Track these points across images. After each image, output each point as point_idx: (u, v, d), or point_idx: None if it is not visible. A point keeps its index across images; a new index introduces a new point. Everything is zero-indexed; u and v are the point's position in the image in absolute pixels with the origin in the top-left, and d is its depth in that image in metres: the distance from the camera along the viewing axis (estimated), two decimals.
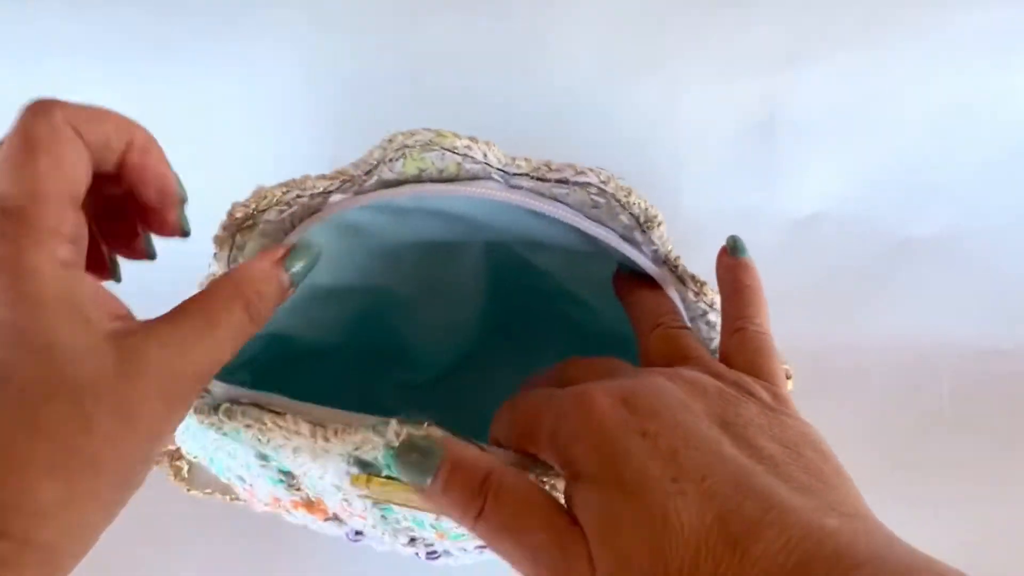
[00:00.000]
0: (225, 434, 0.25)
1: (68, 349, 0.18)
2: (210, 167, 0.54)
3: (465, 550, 0.31)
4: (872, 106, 0.55)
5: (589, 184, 0.29)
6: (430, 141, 0.28)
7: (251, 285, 0.22)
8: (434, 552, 0.32)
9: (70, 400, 0.18)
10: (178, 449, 0.41)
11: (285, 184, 0.29)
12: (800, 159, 0.55)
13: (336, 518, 0.31)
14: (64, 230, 0.19)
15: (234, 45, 0.50)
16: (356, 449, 0.23)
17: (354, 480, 0.24)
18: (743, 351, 0.25)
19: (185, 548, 0.39)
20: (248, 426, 0.24)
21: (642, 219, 0.29)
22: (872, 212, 0.54)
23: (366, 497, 0.26)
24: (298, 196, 0.29)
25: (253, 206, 0.29)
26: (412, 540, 0.31)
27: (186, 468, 0.37)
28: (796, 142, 0.55)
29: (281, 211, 0.29)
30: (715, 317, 0.30)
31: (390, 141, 0.29)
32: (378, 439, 0.23)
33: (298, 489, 0.29)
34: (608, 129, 0.52)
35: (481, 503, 0.21)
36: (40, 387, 0.18)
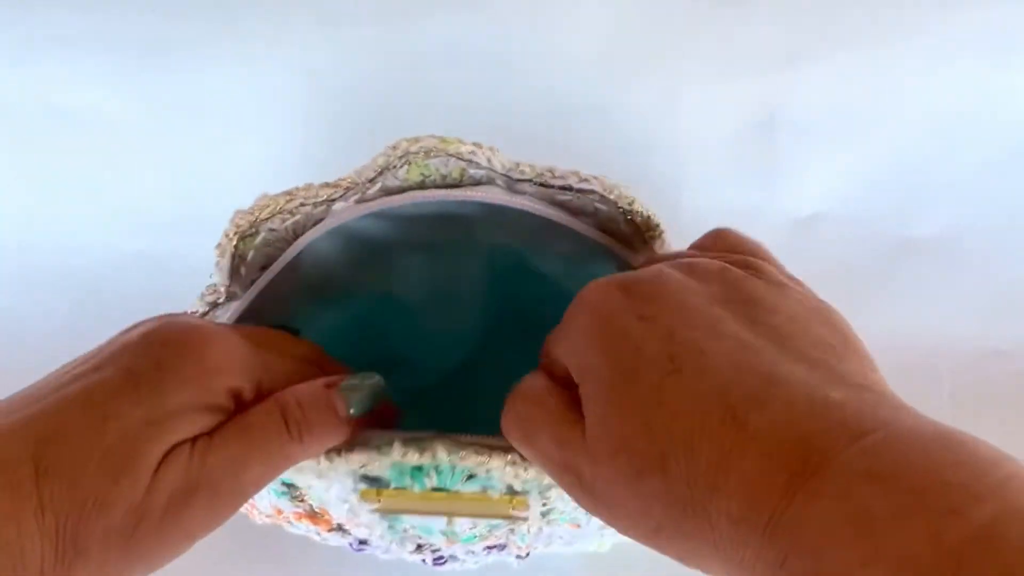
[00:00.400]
0: None
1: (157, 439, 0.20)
2: (210, 167, 0.54)
3: (473, 552, 0.31)
4: (872, 106, 0.55)
5: (592, 192, 0.28)
6: (434, 147, 0.28)
7: (297, 403, 0.22)
8: (441, 558, 0.31)
9: (113, 473, 0.19)
10: None
11: (288, 192, 0.29)
12: (800, 159, 0.55)
13: (340, 528, 0.31)
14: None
15: (234, 45, 0.50)
16: (363, 467, 0.23)
17: (363, 495, 0.24)
18: (736, 242, 0.24)
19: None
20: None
21: (644, 228, 0.29)
22: (872, 212, 0.54)
23: (376, 511, 0.26)
24: (301, 204, 0.29)
25: (256, 215, 0.28)
26: (419, 547, 0.30)
27: None
28: (796, 142, 0.55)
29: (284, 219, 0.29)
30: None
31: (394, 148, 0.28)
32: (384, 459, 0.23)
33: (301, 500, 0.29)
34: (608, 129, 0.52)
35: (506, 410, 0.22)
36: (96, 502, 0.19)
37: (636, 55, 0.52)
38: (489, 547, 0.30)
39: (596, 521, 0.29)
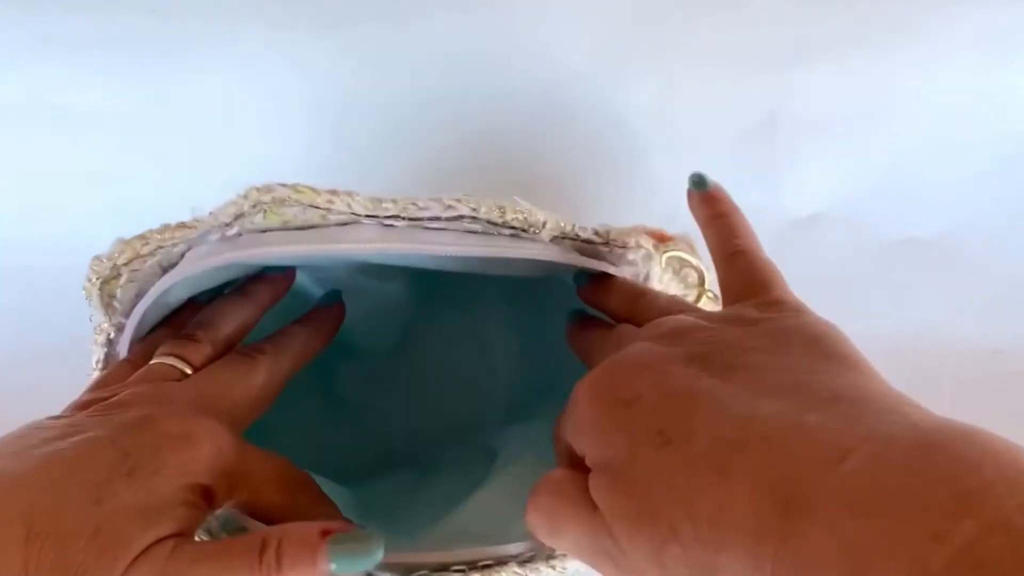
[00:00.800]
0: None
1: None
2: (210, 167, 0.54)
3: None
4: (872, 106, 0.55)
5: (461, 217, 0.27)
6: (287, 197, 0.27)
7: (277, 539, 0.22)
8: None
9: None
10: None
11: (143, 237, 0.29)
12: (800, 159, 0.55)
13: None
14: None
15: (234, 45, 0.50)
16: None
17: None
18: (733, 275, 0.26)
19: None
20: None
21: (523, 228, 0.28)
22: (872, 212, 0.54)
23: None
24: (159, 247, 0.29)
25: (114, 260, 0.29)
26: None
27: None
28: (796, 142, 0.55)
29: (144, 260, 0.29)
30: (633, 255, 0.30)
31: (245, 197, 0.27)
32: None
33: None
34: (608, 129, 0.52)
35: (528, 512, 0.22)
36: None
37: (635, 55, 0.52)
38: None
39: None
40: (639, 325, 0.25)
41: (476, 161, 0.51)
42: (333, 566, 0.21)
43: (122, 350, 0.30)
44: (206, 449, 0.23)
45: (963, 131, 0.56)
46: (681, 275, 0.32)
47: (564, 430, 0.23)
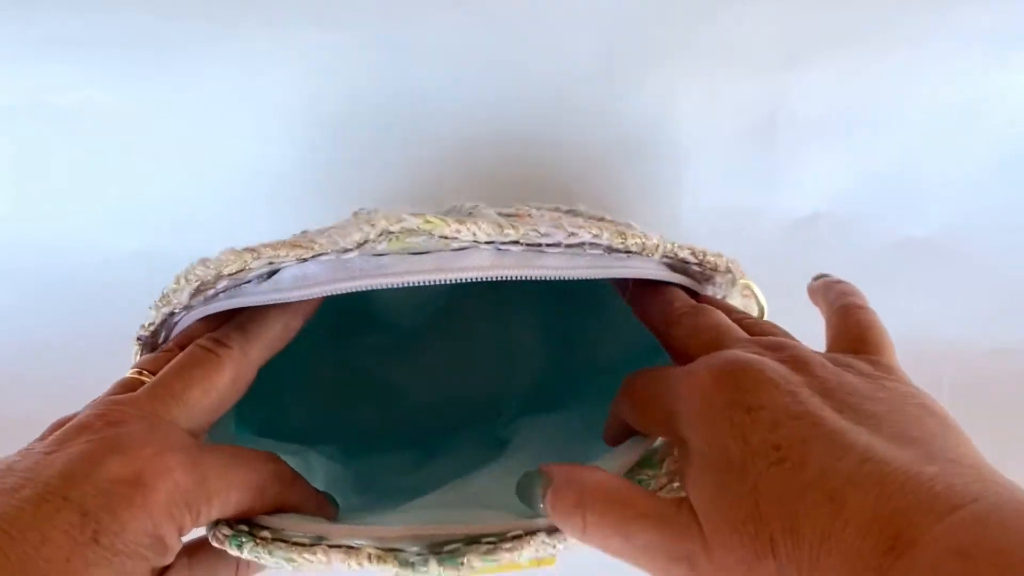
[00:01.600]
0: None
1: None
2: (209, 167, 0.54)
3: None
4: (872, 106, 0.55)
5: (582, 244, 0.27)
6: (416, 228, 0.25)
7: None
8: None
9: None
10: None
11: (253, 249, 0.26)
12: (800, 159, 0.55)
13: None
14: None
15: (234, 45, 0.50)
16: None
17: None
18: (847, 326, 0.26)
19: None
20: (291, 559, 0.24)
21: (639, 252, 0.28)
22: (872, 212, 0.54)
23: None
24: (269, 263, 0.26)
25: (219, 270, 0.27)
26: None
27: None
28: (796, 142, 0.55)
29: (247, 275, 0.27)
30: (720, 278, 0.31)
31: (372, 225, 0.25)
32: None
33: None
34: (608, 129, 0.52)
35: (582, 518, 0.22)
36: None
37: (636, 54, 0.52)
38: None
39: None
40: (717, 339, 0.25)
41: (476, 162, 0.51)
42: None
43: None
44: (160, 494, 0.22)
45: (963, 131, 0.56)
46: (745, 305, 0.32)
47: (624, 410, 0.24)
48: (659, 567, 0.21)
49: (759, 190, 0.54)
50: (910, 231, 0.54)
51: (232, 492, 0.24)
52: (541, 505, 0.23)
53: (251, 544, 0.24)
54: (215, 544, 0.24)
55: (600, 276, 0.27)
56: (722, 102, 0.54)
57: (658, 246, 0.28)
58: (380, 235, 0.25)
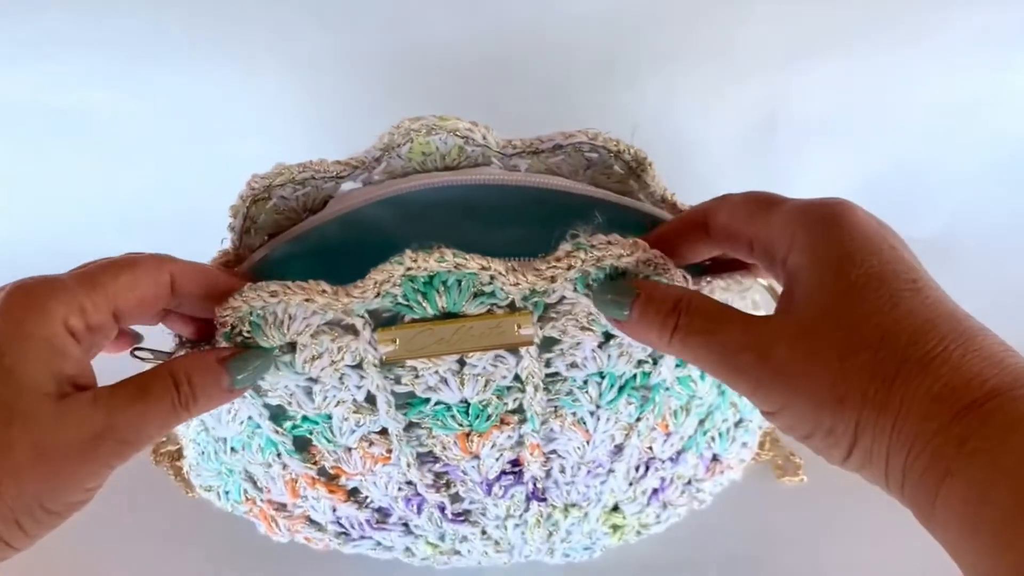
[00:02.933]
0: (246, 343, 0.26)
1: (24, 382, 0.22)
2: (209, 167, 0.54)
3: (494, 488, 0.30)
4: (872, 106, 0.55)
5: (581, 143, 0.32)
6: (434, 125, 0.31)
7: (186, 374, 0.24)
8: (459, 499, 0.31)
9: (3, 416, 0.21)
10: (179, 449, 0.41)
11: (303, 164, 0.31)
12: (800, 159, 0.55)
13: (356, 495, 0.31)
14: (90, 314, 0.24)
15: (234, 45, 0.50)
16: (379, 294, 0.25)
17: (381, 338, 0.26)
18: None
19: (185, 548, 0.39)
20: (273, 294, 0.25)
21: (633, 164, 0.32)
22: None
23: (394, 359, 0.26)
24: (312, 177, 0.31)
25: (271, 180, 0.31)
26: (438, 477, 0.30)
27: (187, 468, 0.37)
28: (796, 142, 0.55)
29: (295, 189, 0.31)
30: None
31: (397, 127, 0.31)
32: (397, 267, 0.25)
33: (315, 463, 0.29)
34: (608, 129, 0.52)
35: (675, 320, 0.24)
36: None
37: (637, 55, 0.52)
38: (507, 471, 0.30)
39: (607, 436, 0.29)
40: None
41: None
42: (238, 380, 0.25)
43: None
44: (54, 297, 0.24)
45: (963, 131, 0.56)
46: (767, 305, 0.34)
47: (768, 204, 0.25)
48: (726, 358, 0.23)
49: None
50: (910, 231, 0.53)
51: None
52: (626, 312, 0.25)
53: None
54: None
55: (600, 197, 0.31)
56: (722, 102, 0.54)
57: (652, 164, 0.33)
58: (405, 135, 0.31)
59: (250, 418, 0.29)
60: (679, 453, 0.32)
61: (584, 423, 0.29)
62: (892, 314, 0.21)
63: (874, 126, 0.55)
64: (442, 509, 0.31)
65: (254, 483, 0.31)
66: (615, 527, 0.34)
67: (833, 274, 0.22)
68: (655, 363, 0.28)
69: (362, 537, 0.33)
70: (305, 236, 0.31)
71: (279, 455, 0.29)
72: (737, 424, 0.33)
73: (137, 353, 0.27)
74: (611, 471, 0.31)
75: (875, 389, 0.21)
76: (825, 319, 0.22)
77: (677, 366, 0.29)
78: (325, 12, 0.49)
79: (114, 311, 0.24)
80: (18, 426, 0.21)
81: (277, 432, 0.28)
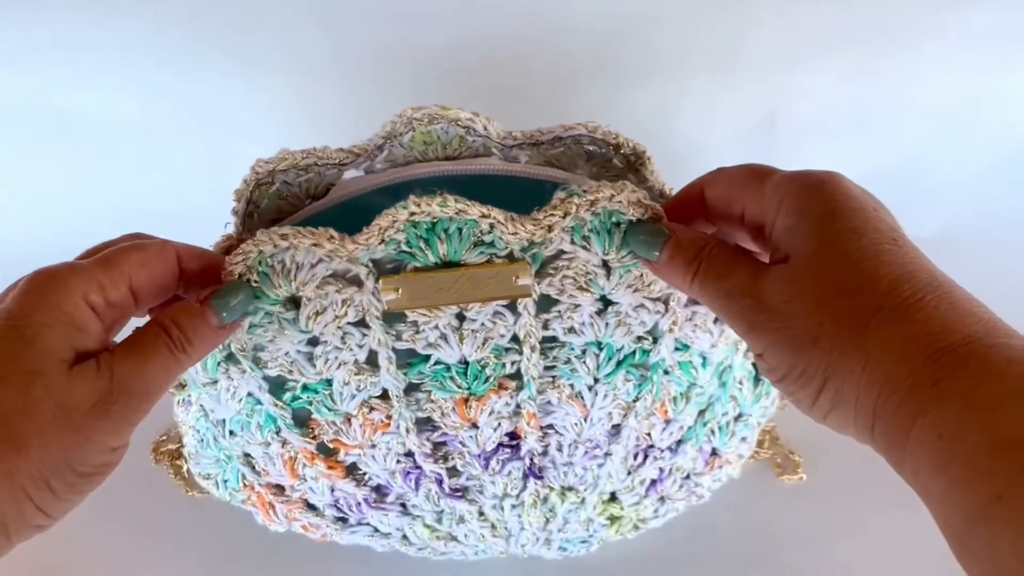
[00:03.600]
0: (258, 298, 0.26)
1: (46, 349, 0.23)
2: (209, 168, 0.54)
3: (492, 462, 0.31)
4: (872, 106, 0.55)
5: (580, 136, 0.32)
6: (436, 114, 0.31)
7: (173, 320, 0.25)
8: (457, 474, 0.31)
9: (23, 383, 0.22)
10: (178, 448, 0.41)
11: (306, 151, 0.31)
12: (800, 159, 0.55)
13: (355, 472, 0.31)
14: (108, 291, 0.25)
15: (234, 46, 0.50)
16: (383, 240, 0.25)
17: (384, 287, 0.26)
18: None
19: (185, 548, 0.39)
20: (283, 236, 0.25)
21: (632, 158, 0.33)
22: None
23: (396, 308, 0.27)
24: (316, 163, 0.32)
25: (274, 165, 0.31)
26: (436, 449, 0.30)
27: (186, 467, 0.37)
28: (796, 142, 0.55)
29: (298, 175, 0.32)
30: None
31: (399, 115, 0.31)
32: (402, 212, 0.25)
33: (314, 437, 0.30)
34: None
35: (697, 266, 0.26)
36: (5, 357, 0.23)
37: (637, 55, 0.52)
38: (504, 444, 0.30)
39: (604, 414, 0.30)
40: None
41: None
42: (224, 315, 0.26)
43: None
44: (61, 283, 0.25)
45: (963, 131, 0.56)
46: None
47: (758, 175, 0.26)
48: (731, 299, 0.25)
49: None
50: (910, 231, 0.53)
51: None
52: (657, 253, 0.26)
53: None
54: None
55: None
56: (722, 103, 0.54)
57: (650, 158, 0.33)
58: (407, 123, 0.31)
59: (250, 394, 0.29)
60: (678, 443, 0.32)
61: (582, 397, 0.29)
62: (872, 263, 0.22)
63: (874, 127, 0.55)
64: (439, 482, 0.31)
65: (252, 467, 0.31)
66: (613, 518, 0.34)
67: (818, 227, 0.23)
68: (655, 341, 0.29)
69: (359, 523, 0.33)
70: (306, 222, 0.31)
71: (278, 431, 0.30)
72: (737, 418, 0.33)
73: None
74: (608, 454, 0.31)
75: (848, 331, 0.22)
76: (810, 266, 0.23)
77: (677, 349, 0.29)
78: (324, 12, 0.49)
79: (131, 288, 0.25)
80: (40, 388, 0.22)
81: (276, 405, 0.29)
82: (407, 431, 0.29)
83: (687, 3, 0.50)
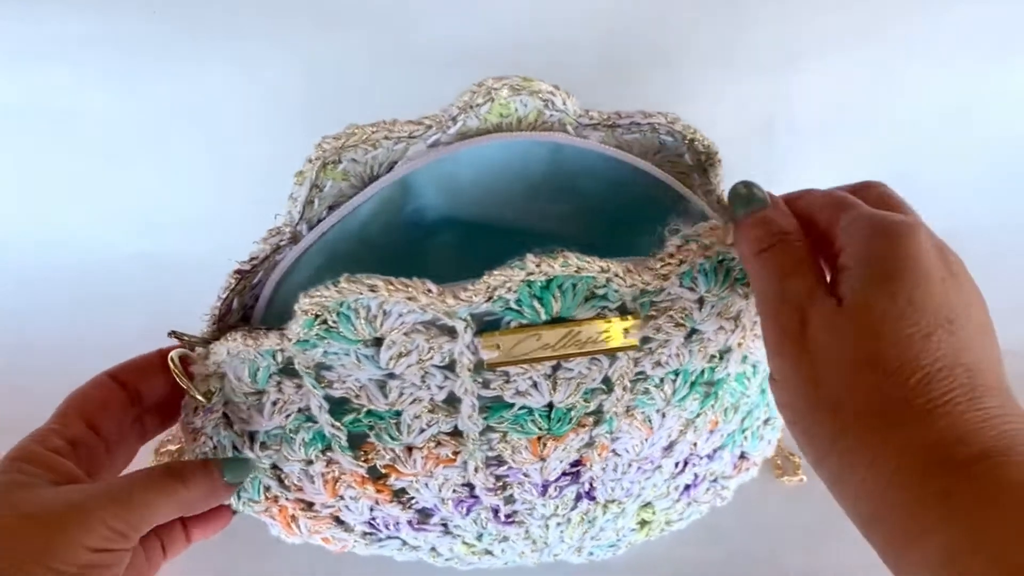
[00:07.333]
0: (328, 333, 0.24)
1: (15, 481, 0.25)
2: (209, 168, 0.54)
3: (548, 489, 0.29)
4: (872, 106, 0.55)
5: (659, 125, 0.31)
6: (518, 84, 0.30)
7: (178, 466, 0.27)
8: (511, 501, 0.30)
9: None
10: (179, 448, 0.41)
11: (375, 124, 0.30)
12: (800, 159, 0.55)
13: (402, 496, 0.29)
14: (63, 432, 0.27)
15: (234, 46, 0.50)
16: (491, 298, 0.24)
17: (485, 344, 0.25)
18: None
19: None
20: (373, 288, 0.23)
21: (703, 157, 0.32)
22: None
23: (495, 364, 0.25)
24: (385, 137, 0.30)
25: (343, 140, 0.29)
26: (498, 480, 0.29)
27: None
28: (796, 143, 0.55)
29: (366, 151, 0.30)
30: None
31: (479, 85, 0.30)
32: (518, 272, 0.23)
33: (366, 460, 0.28)
34: None
35: (770, 243, 0.25)
36: None
37: (635, 59, 0.52)
38: (566, 472, 0.29)
39: (666, 433, 0.29)
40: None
41: None
42: (227, 478, 0.28)
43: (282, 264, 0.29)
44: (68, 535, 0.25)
45: (963, 131, 0.56)
46: None
47: (837, 205, 0.26)
48: (775, 307, 0.24)
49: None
50: None
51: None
52: (747, 211, 0.26)
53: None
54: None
55: (662, 178, 0.30)
56: (721, 106, 0.54)
57: (720, 160, 0.33)
58: (487, 93, 0.29)
59: (300, 411, 0.27)
60: (716, 450, 0.32)
61: (650, 421, 0.28)
62: (915, 350, 0.21)
63: (873, 129, 0.55)
64: (495, 511, 0.30)
65: (281, 481, 0.30)
66: (643, 523, 0.34)
67: (877, 287, 0.22)
68: (722, 357, 0.28)
69: (389, 537, 0.32)
70: (365, 205, 0.30)
71: (327, 450, 0.28)
72: (766, 422, 0.33)
73: (175, 332, 0.28)
74: (659, 467, 0.31)
75: (871, 415, 0.21)
76: (862, 325, 0.22)
77: (740, 363, 0.29)
78: (324, 12, 0.49)
79: (85, 422, 0.27)
80: (8, 503, 0.24)
81: (334, 426, 0.27)
82: (475, 470, 0.28)
83: (686, 6, 0.50)
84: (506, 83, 0.30)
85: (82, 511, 0.24)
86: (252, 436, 0.29)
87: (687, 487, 0.33)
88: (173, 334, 0.28)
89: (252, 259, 0.29)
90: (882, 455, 0.21)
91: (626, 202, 0.31)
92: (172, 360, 0.27)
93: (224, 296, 0.28)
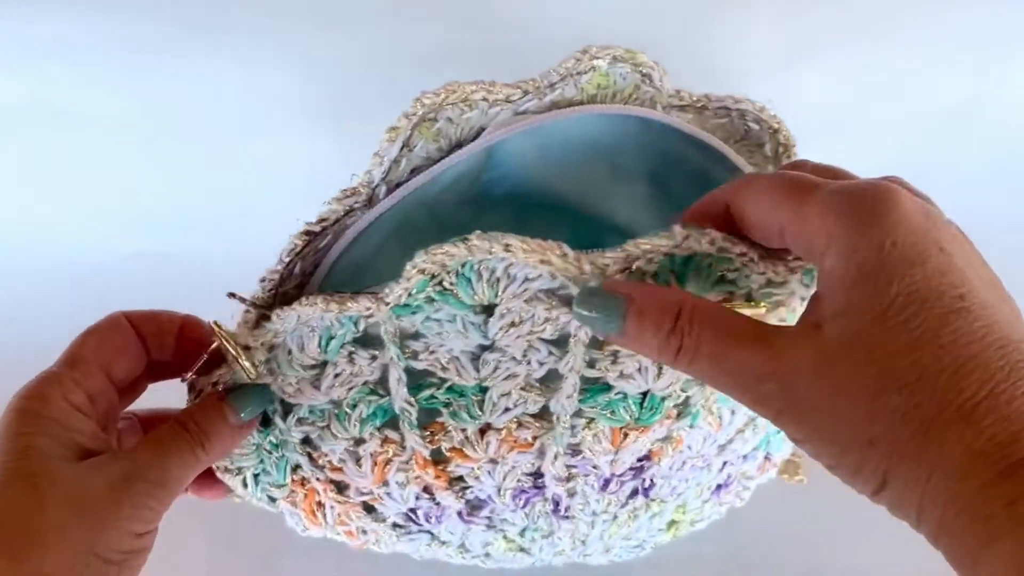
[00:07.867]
0: (440, 296, 0.23)
1: (43, 453, 0.23)
2: (209, 168, 0.54)
3: (605, 479, 0.28)
4: (871, 106, 0.55)
5: (747, 111, 0.31)
6: (621, 56, 0.29)
7: (191, 417, 0.26)
8: (573, 493, 0.29)
9: (28, 484, 0.22)
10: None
11: (476, 83, 0.28)
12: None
13: (458, 483, 0.28)
14: (84, 384, 0.25)
15: (234, 46, 0.50)
16: (629, 268, 0.22)
17: None
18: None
19: (185, 549, 0.39)
20: (507, 247, 0.21)
21: (781, 149, 0.31)
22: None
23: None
24: (483, 99, 0.28)
25: (442, 98, 0.28)
26: (568, 469, 0.27)
27: None
28: (795, 141, 0.55)
29: (462, 111, 0.28)
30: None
31: (583, 52, 0.28)
32: (665, 242, 0.22)
33: (432, 441, 0.26)
34: None
35: (679, 340, 0.21)
36: (5, 472, 0.23)
37: None
38: (633, 466, 0.28)
39: (735, 426, 0.28)
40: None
41: None
42: (242, 415, 0.26)
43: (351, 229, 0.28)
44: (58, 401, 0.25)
45: (962, 131, 0.56)
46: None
47: (801, 191, 0.21)
48: (744, 385, 0.20)
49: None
50: None
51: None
52: (620, 323, 0.21)
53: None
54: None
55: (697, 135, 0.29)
56: None
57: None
58: (591, 60, 0.28)
59: (366, 383, 0.26)
60: (753, 450, 0.31)
61: (721, 418, 0.28)
62: (931, 347, 0.18)
63: (873, 128, 0.55)
64: (556, 504, 0.29)
65: (312, 459, 0.28)
66: (672, 523, 0.33)
67: (870, 290, 0.19)
68: None
69: (421, 531, 0.30)
70: (446, 173, 0.28)
71: (385, 427, 0.26)
72: None
73: (234, 293, 0.27)
74: (708, 465, 0.30)
75: (908, 436, 0.18)
76: (856, 349, 0.19)
77: None
78: (324, 12, 0.49)
79: (104, 371, 0.26)
80: (46, 484, 0.23)
81: (407, 401, 0.25)
82: (555, 457, 0.27)
83: (685, 5, 0.50)
84: (610, 51, 0.28)
85: (125, 494, 0.24)
86: (288, 408, 0.27)
87: (719, 487, 0.32)
88: (233, 295, 0.26)
89: (322, 220, 0.27)
90: (936, 472, 0.18)
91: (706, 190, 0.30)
92: (217, 326, 0.25)
93: (287, 260, 0.26)
